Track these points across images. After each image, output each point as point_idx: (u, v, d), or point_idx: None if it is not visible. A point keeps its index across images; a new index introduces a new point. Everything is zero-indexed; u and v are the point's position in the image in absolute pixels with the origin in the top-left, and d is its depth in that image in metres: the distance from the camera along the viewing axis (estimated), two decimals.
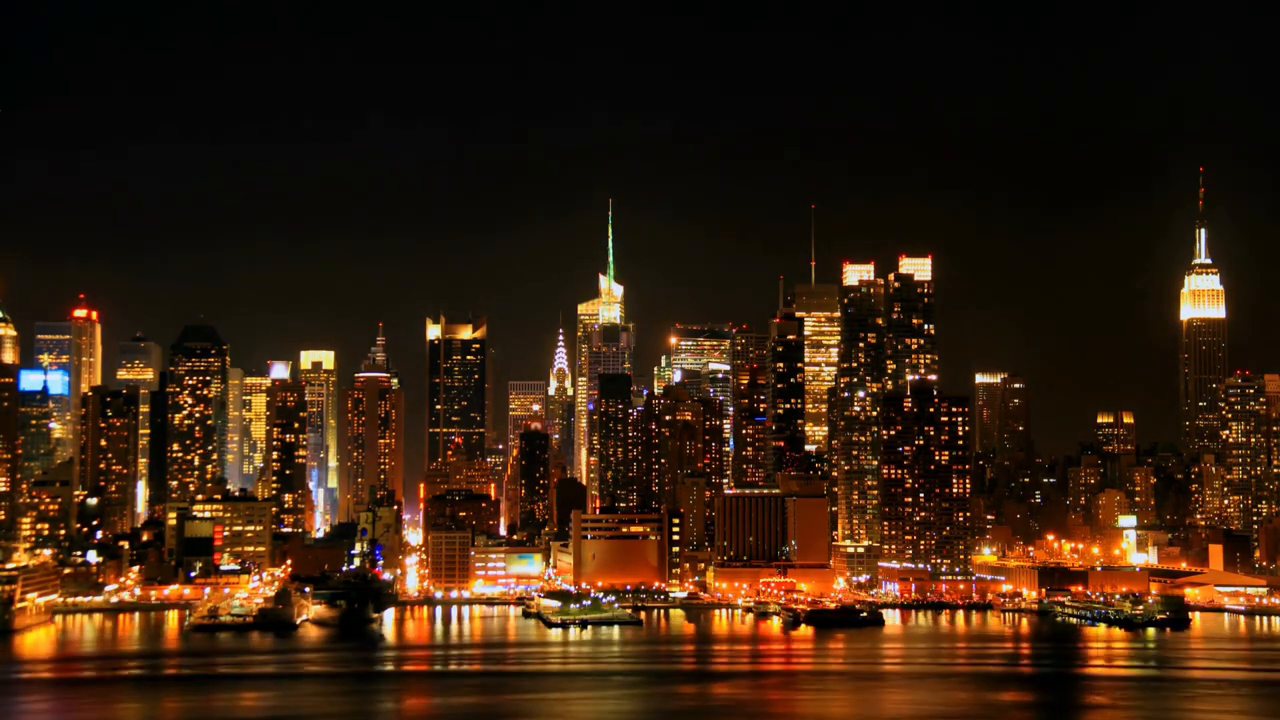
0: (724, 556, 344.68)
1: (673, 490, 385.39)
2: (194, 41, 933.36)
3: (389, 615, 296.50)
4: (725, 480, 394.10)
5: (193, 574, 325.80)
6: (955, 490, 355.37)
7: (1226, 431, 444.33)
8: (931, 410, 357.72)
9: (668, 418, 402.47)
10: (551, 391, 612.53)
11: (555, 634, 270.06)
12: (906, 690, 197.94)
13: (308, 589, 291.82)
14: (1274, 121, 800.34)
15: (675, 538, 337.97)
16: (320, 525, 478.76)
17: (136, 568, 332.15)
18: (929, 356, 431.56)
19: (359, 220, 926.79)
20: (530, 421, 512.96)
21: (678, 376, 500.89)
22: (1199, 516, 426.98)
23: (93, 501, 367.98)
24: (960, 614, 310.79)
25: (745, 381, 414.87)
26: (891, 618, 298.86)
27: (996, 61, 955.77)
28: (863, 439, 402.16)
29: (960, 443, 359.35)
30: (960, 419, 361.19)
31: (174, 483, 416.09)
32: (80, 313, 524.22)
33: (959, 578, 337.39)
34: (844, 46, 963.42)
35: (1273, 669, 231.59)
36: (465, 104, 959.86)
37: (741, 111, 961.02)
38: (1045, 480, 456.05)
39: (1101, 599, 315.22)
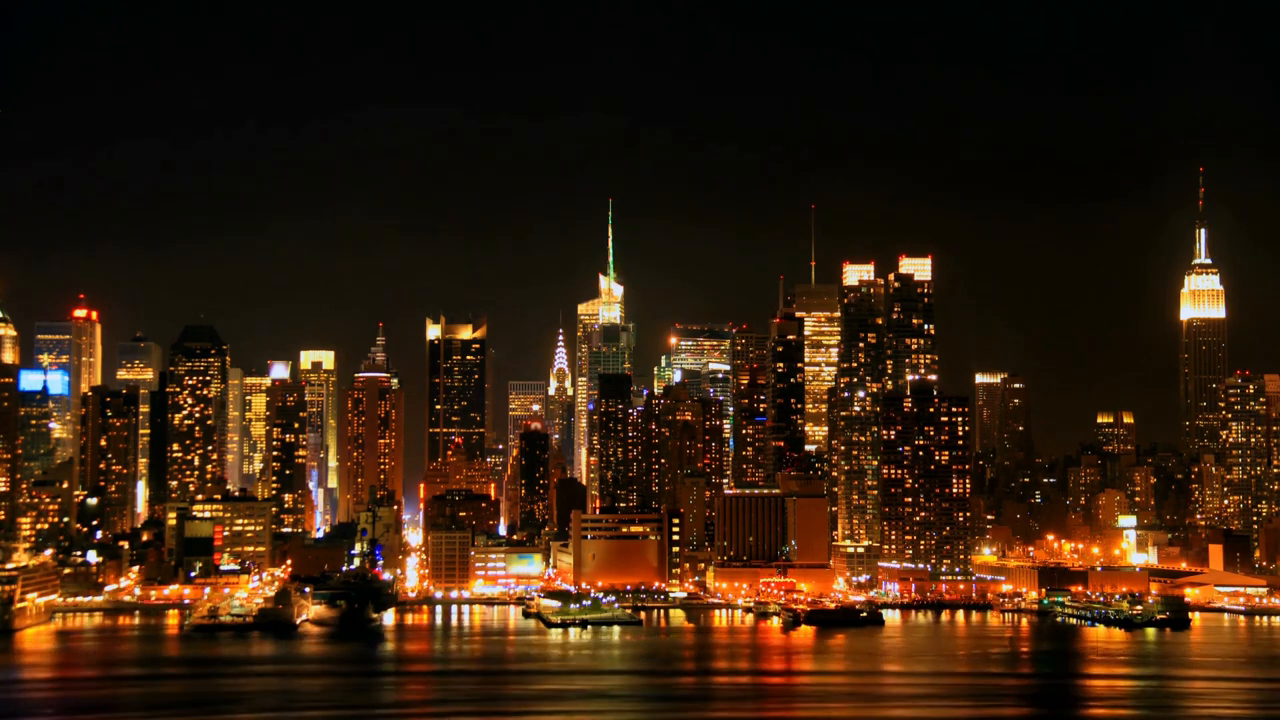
0: (724, 556, 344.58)
1: (673, 490, 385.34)
2: (188, 36, 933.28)
3: (389, 615, 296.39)
4: (725, 480, 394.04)
5: (193, 574, 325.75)
6: (955, 490, 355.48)
7: (1226, 431, 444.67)
8: (931, 410, 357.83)
9: (668, 418, 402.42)
10: (551, 391, 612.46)
11: (555, 634, 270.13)
12: (906, 688, 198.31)
13: (308, 589, 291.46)
14: (1274, 121, 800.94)
15: (675, 538, 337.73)
16: (320, 525, 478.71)
17: (136, 568, 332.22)
18: (929, 356, 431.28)
19: (359, 220, 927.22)
20: (530, 421, 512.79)
21: (678, 376, 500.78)
22: (1199, 516, 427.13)
23: (93, 501, 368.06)
24: (960, 614, 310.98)
25: (745, 381, 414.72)
26: (892, 618, 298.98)
27: (998, 62, 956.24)
28: (863, 439, 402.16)
29: (960, 443, 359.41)
30: (960, 419, 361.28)
31: (174, 483, 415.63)
32: (80, 313, 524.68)
33: (959, 578, 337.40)
34: (846, 47, 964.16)
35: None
36: (464, 103, 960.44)
37: (742, 111, 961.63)
38: (1045, 480, 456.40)
39: (1101, 599, 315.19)
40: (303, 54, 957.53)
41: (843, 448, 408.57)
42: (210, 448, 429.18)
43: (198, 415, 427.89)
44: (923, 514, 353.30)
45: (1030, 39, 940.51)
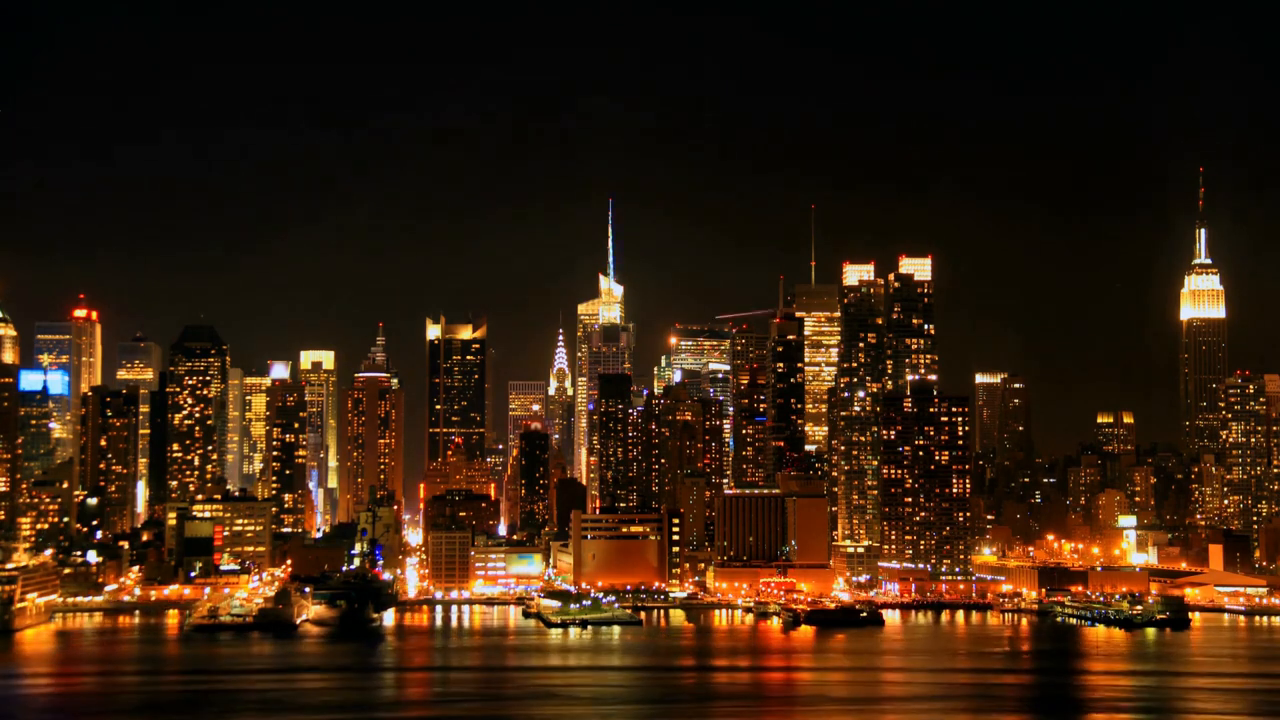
0: (724, 556, 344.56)
1: (673, 490, 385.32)
2: (188, 38, 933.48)
3: (389, 615, 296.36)
4: (725, 480, 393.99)
5: (193, 574, 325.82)
6: (955, 490, 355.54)
7: (1226, 431, 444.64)
8: (931, 410, 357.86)
9: (668, 418, 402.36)
10: (551, 391, 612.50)
11: (555, 634, 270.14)
12: (906, 689, 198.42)
13: (308, 589, 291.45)
14: (1274, 121, 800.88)
15: (675, 538, 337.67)
16: (320, 525, 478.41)
17: (136, 568, 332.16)
18: (929, 356, 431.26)
19: (359, 220, 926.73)
20: (530, 421, 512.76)
21: (678, 376, 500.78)
22: (1199, 516, 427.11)
23: (93, 501, 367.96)
24: (960, 614, 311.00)
25: (745, 381, 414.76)
26: (891, 618, 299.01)
27: (999, 63, 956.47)
28: (863, 439, 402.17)
29: (960, 443, 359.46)
30: (960, 419, 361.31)
31: (174, 483, 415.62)
32: (80, 313, 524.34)
33: (959, 578, 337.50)
34: (846, 48, 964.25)
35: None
36: (464, 104, 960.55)
37: (742, 111, 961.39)
38: (1045, 480, 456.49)
39: (1101, 599, 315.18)
40: (303, 56, 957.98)
41: (843, 448, 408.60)
42: (210, 448, 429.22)
43: (198, 415, 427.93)
44: (923, 514, 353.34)
45: (1031, 40, 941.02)
